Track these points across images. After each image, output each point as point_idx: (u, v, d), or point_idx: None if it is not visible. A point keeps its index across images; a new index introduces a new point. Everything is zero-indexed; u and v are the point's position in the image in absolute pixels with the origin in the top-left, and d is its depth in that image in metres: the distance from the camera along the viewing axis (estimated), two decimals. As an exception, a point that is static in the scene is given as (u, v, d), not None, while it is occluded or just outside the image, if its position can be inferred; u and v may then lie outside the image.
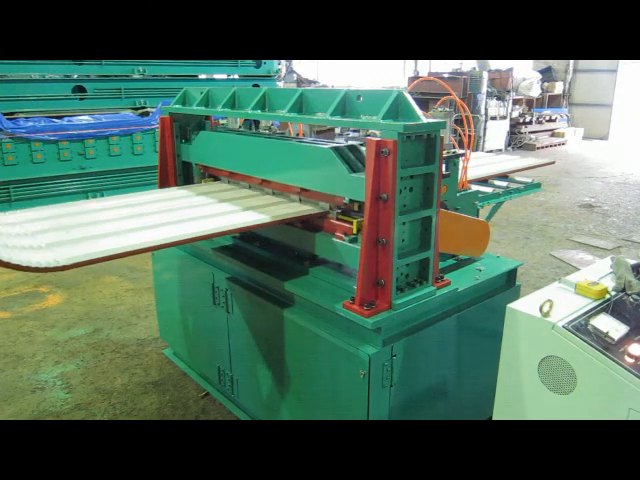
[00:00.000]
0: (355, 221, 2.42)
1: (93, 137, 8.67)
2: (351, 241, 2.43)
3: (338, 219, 2.55)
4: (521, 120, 15.61)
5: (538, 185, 4.05)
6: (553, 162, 4.70)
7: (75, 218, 2.49)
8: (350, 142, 2.64)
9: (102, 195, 8.88)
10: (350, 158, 2.43)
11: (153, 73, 9.49)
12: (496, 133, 14.43)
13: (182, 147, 3.44)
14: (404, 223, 2.23)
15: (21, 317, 4.68)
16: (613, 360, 1.83)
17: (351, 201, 2.44)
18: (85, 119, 8.67)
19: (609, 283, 2.20)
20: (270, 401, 2.92)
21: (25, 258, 1.87)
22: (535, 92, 16.48)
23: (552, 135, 16.65)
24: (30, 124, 8.13)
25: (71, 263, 1.85)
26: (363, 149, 2.43)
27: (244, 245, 3.07)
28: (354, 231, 2.43)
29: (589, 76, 17.94)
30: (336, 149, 2.44)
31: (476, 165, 3.75)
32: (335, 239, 2.52)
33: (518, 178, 4.14)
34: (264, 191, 2.99)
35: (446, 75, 14.36)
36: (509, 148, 15.07)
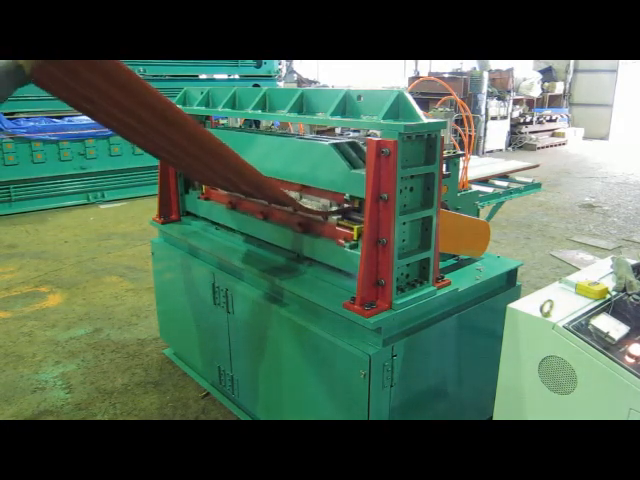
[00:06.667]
0: (356, 227, 2.41)
1: (93, 137, 8.66)
2: (351, 247, 2.43)
3: (339, 225, 2.54)
4: (521, 120, 15.60)
5: (538, 185, 4.06)
6: (537, 165, 4.68)
7: None
8: (350, 139, 2.64)
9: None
10: (350, 154, 2.42)
11: (153, 73, 9.47)
12: (496, 133, 14.42)
13: (182, 146, 3.43)
14: (404, 223, 2.22)
15: (21, 317, 4.68)
16: (613, 360, 1.83)
17: (352, 198, 2.43)
18: (85, 119, 8.65)
19: (609, 283, 2.21)
20: (270, 401, 2.92)
21: None
22: (535, 92, 16.48)
23: (552, 135, 16.64)
24: (31, 124, 8.12)
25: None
26: (363, 146, 2.42)
27: (244, 245, 3.08)
28: (355, 237, 2.41)
29: (589, 76, 17.94)
30: (336, 145, 2.43)
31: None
32: (335, 245, 2.50)
33: (518, 178, 4.15)
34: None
35: (446, 75, 14.36)
36: (509, 148, 15.06)
